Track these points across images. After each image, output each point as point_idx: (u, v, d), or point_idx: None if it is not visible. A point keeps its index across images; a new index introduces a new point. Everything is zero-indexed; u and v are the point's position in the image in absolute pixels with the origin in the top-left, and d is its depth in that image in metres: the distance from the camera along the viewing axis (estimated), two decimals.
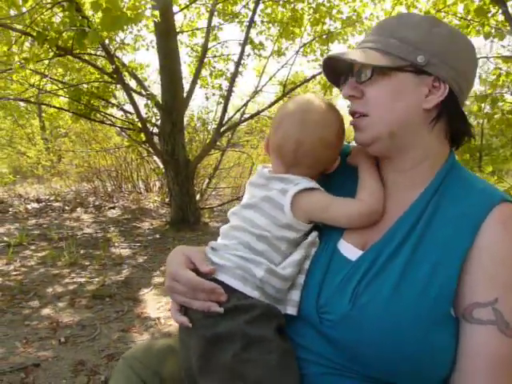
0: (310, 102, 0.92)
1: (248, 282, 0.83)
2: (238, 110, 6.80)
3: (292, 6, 7.32)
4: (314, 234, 0.90)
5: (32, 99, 6.60)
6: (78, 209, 7.44)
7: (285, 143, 0.90)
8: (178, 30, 6.87)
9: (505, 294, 0.73)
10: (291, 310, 0.85)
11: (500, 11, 3.46)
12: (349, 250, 0.86)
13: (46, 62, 5.61)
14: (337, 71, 0.94)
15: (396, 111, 0.83)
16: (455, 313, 0.76)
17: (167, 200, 7.51)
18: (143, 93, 6.20)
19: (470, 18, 4.42)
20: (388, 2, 6.79)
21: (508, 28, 3.57)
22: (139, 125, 5.84)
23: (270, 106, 6.70)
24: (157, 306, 3.35)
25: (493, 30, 3.64)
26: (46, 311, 3.14)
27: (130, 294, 3.56)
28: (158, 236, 5.78)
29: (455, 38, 0.84)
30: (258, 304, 0.81)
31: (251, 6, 7.33)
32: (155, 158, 7.02)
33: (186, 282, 0.84)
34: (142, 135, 6.06)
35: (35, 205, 7.71)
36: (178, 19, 8.02)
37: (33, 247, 4.93)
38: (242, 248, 0.86)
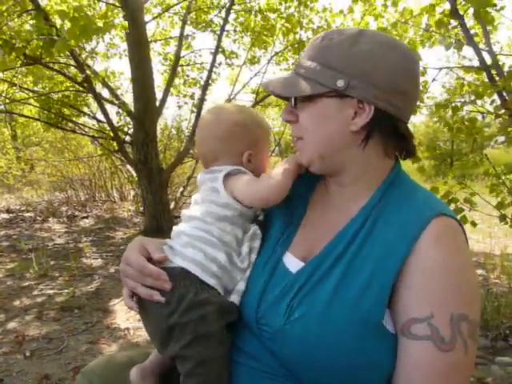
0: (208, 109, 1.11)
1: (206, 270, 0.89)
2: None
3: (264, 15, 7.42)
4: (254, 226, 0.99)
5: (1, 108, 6.48)
6: (50, 219, 7.31)
7: (197, 150, 1.11)
8: (150, 39, 6.88)
9: (439, 309, 0.74)
10: (235, 299, 0.90)
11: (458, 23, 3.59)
12: (292, 262, 0.87)
13: (15, 70, 5.53)
14: None
15: (323, 135, 0.86)
16: (395, 329, 0.77)
17: (141, 209, 7.45)
18: (115, 101, 6.16)
19: (431, 29, 4.56)
20: (357, 12, 6.93)
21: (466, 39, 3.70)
22: (111, 134, 5.80)
23: None
24: (126, 316, 3.32)
25: (453, 41, 3.77)
26: (11, 325, 3.08)
27: (100, 305, 3.52)
28: None
29: (378, 53, 0.81)
30: (214, 300, 0.86)
31: (223, 14, 7.41)
32: (129, 166, 6.97)
33: (136, 266, 0.88)
34: (115, 144, 6.02)
35: (5, 215, 7.54)
36: (151, 28, 8.02)
37: (0, 259, 4.83)
38: (198, 232, 0.94)
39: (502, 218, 3.79)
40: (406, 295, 0.75)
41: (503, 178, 3.71)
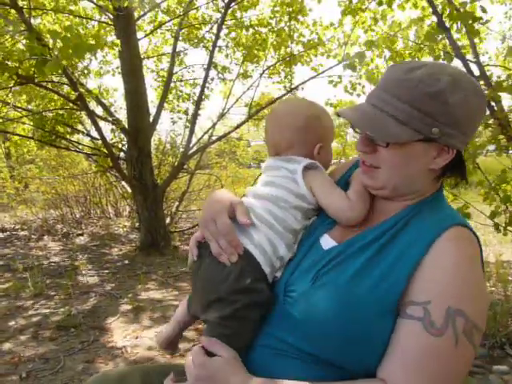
0: (282, 102, 1.27)
1: (267, 259, 0.96)
2: (205, 133, 6.87)
3: (255, 30, 7.52)
4: (315, 216, 1.06)
5: None
6: (45, 237, 7.27)
7: (267, 137, 1.14)
8: (143, 56, 6.95)
9: (438, 297, 0.80)
10: (278, 275, 0.98)
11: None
12: (327, 242, 0.97)
13: (8, 89, 5.55)
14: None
15: (403, 172, 0.90)
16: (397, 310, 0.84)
17: (137, 225, 7.44)
18: (109, 118, 6.19)
19: (420, 42, 4.64)
20: (347, 25, 7.04)
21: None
22: (105, 150, 5.81)
23: (236, 127, 6.80)
24: (123, 334, 3.30)
25: (441, 54, 3.83)
26: (7, 346, 3.05)
27: (97, 324, 3.50)
28: (127, 262, 5.70)
29: (469, 100, 0.85)
30: (264, 292, 0.94)
31: (215, 30, 7.50)
32: (123, 182, 6.97)
33: (223, 228, 0.94)
34: (109, 160, 6.03)
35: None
36: (144, 44, 8.11)
37: None
38: (268, 216, 1.00)
39: (496, 226, 3.82)
40: (413, 283, 0.82)
41: (496, 186, 3.74)
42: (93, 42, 4.58)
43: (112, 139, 6.14)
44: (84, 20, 6.78)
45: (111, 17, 6.00)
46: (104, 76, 8.28)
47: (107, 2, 5.82)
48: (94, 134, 5.98)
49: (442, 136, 0.85)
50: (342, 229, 0.98)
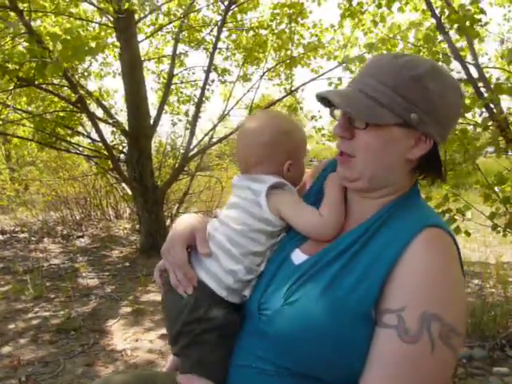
0: (251, 116, 1.16)
1: (221, 283, 0.96)
2: (206, 135, 6.88)
3: (255, 32, 7.53)
4: (284, 233, 1.04)
5: None
6: (45, 239, 7.27)
7: (237, 153, 1.12)
8: (144, 58, 6.96)
9: (412, 302, 0.78)
10: (247, 293, 0.98)
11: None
12: (298, 256, 0.96)
13: (8, 91, 5.56)
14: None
15: (379, 159, 0.89)
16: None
17: (137, 227, 7.44)
18: (109, 120, 6.20)
19: (419, 44, 4.64)
20: (347, 27, 7.05)
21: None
22: (106, 152, 5.82)
23: (237, 129, 6.78)
24: (124, 337, 3.30)
25: (440, 56, 3.83)
26: (6, 349, 3.05)
27: (97, 326, 3.50)
28: (127, 264, 5.70)
29: (448, 92, 0.87)
30: (220, 317, 0.94)
31: (215, 32, 7.51)
32: (124, 184, 6.98)
33: (178, 259, 0.97)
34: (110, 162, 6.03)
35: None
36: (145, 46, 8.10)
37: None
38: (225, 242, 0.99)
39: (494, 227, 3.82)
40: (388, 288, 0.81)
41: (495, 188, 3.74)
42: (93, 45, 4.59)
43: (112, 141, 6.15)
44: (84, 22, 6.79)
45: (111, 19, 6.02)
46: (104, 78, 8.31)
47: (108, 4, 5.85)
48: (95, 136, 6.00)
49: (420, 123, 0.85)
50: (314, 242, 0.96)
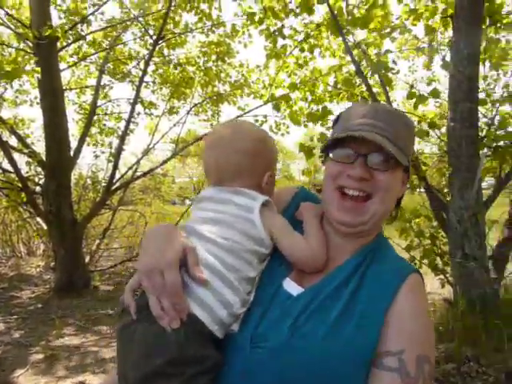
0: (226, 124, 1.07)
1: (214, 316, 0.82)
2: (130, 168, 6.69)
3: (182, 68, 7.61)
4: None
5: None
6: None
7: (208, 163, 0.99)
8: (65, 87, 6.69)
9: (410, 345, 0.84)
10: (235, 327, 0.86)
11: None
12: (292, 287, 0.92)
13: None
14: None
15: (392, 200, 0.98)
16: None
17: (52, 264, 6.91)
18: (25, 150, 5.81)
19: (339, 87, 4.98)
20: (272, 68, 7.36)
21: (370, 97, 4.09)
22: (19, 184, 5.41)
23: (162, 163, 6.71)
24: None
25: (359, 99, 4.14)
26: None
27: (2, 378, 3.13)
28: (39, 305, 5.24)
29: (412, 135, 1.02)
30: (213, 357, 0.81)
31: (142, 66, 7.47)
32: (38, 218, 6.50)
33: (171, 283, 0.79)
34: (23, 195, 5.61)
35: None
36: (66, 76, 7.83)
37: None
38: (217, 264, 0.84)
39: (411, 259, 4.08)
40: (385, 332, 0.85)
41: (411, 222, 4.02)
42: (9, 69, 4.33)
43: (27, 172, 5.74)
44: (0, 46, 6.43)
45: (30, 45, 5.77)
46: (20, 106, 7.85)
47: (27, 29, 5.60)
48: (7, 166, 5.57)
49: (408, 166, 0.96)
50: (301, 272, 0.95)
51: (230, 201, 0.92)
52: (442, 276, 4.06)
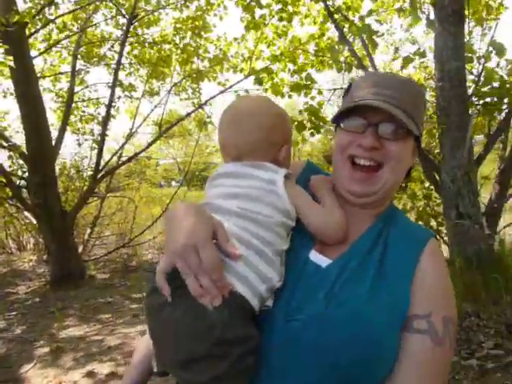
0: (241, 98, 1.09)
1: (255, 292, 0.80)
2: (115, 154, 6.57)
3: (159, 46, 7.40)
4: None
5: None
6: None
7: (225, 139, 0.98)
8: (39, 75, 6.46)
9: (436, 308, 0.88)
10: (270, 303, 0.85)
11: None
12: (320, 259, 0.92)
13: None
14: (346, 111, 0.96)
15: (403, 169, 0.97)
16: None
17: (45, 257, 6.83)
18: (4, 144, 5.64)
19: (321, 54, 4.90)
20: (250, 40, 7.21)
21: (355, 62, 4.03)
22: (3, 179, 5.27)
23: (147, 146, 6.59)
24: (44, 382, 2.97)
25: (343, 65, 4.08)
26: None
27: (9, 375, 3.11)
28: (37, 299, 5.19)
29: (423, 104, 1.01)
30: (255, 336, 0.79)
31: (117, 48, 7.24)
32: (26, 213, 6.38)
33: (209, 262, 0.75)
34: (8, 190, 5.49)
35: None
36: (39, 63, 7.53)
37: None
38: (254, 240, 0.83)
39: None
40: (413, 297, 0.88)
41: (405, 185, 4.03)
42: None
43: (10, 166, 5.60)
44: None
45: None
46: None
47: None
48: None
49: (419, 135, 0.96)
50: (324, 244, 0.94)
51: (251, 175, 0.91)
52: (437, 236, 4.12)
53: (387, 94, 0.91)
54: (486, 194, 4.26)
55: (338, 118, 0.97)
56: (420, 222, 4.03)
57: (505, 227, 4.08)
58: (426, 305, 0.87)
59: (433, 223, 4.15)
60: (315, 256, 0.93)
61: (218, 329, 0.74)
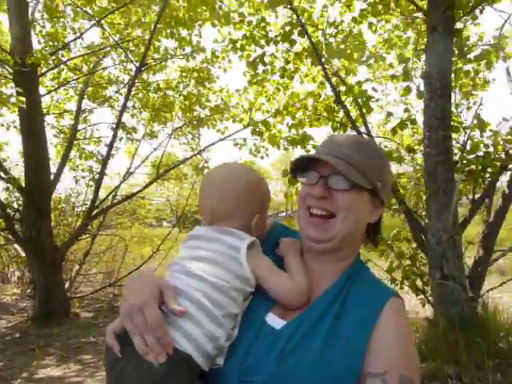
0: (219, 166, 1.09)
1: (200, 349, 0.85)
2: (111, 193, 6.66)
3: (163, 92, 7.69)
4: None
5: None
6: None
7: (203, 204, 1.05)
8: (44, 112, 6.66)
9: (393, 366, 0.87)
10: (220, 361, 0.89)
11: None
12: (275, 321, 0.95)
13: None
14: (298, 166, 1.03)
15: (357, 220, 0.99)
16: None
17: (28, 291, 6.75)
18: (3, 176, 5.73)
19: (318, 113, 5.15)
20: (251, 93, 7.53)
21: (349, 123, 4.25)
22: None
23: (144, 187, 6.70)
24: None
25: (338, 125, 4.30)
26: None
27: None
28: (17, 335, 5.09)
29: (387, 164, 1.04)
30: None
31: (122, 91, 7.53)
32: (15, 245, 6.36)
33: (152, 319, 0.82)
34: (1, 221, 5.51)
35: None
36: (45, 100, 7.75)
37: None
38: (204, 300, 0.88)
39: (392, 280, 4.20)
40: (369, 355, 0.88)
41: (392, 243, 4.14)
42: None
43: (6, 198, 5.65)
44: None
45: (10, 70, 5.75)
46: None
47: (7, 55, 5.59)
48: None
49: (379, 190, 0.99)
50: (283, 306, 0.98)
51: (219, 239, 0.97)
52: (422, 296, 4.19)
53: (340, 150, 0.98)
54: (470, 255, 4.38)
55: (299, 174, 1.05)
56: (405, 281, 4.12)
57: (488, 291, 4.16)
58: (381, 363, 0.87)
59: (418, 283, 4.23)
60: (272, 318, 0.95)
61: (159, 382, 0.80)
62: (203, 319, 0.87)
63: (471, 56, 3.96)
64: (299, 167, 1.03)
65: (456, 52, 3.91)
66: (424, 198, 3.93)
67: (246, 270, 0.93)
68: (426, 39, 3.90)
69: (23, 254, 6.02)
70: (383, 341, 0.90)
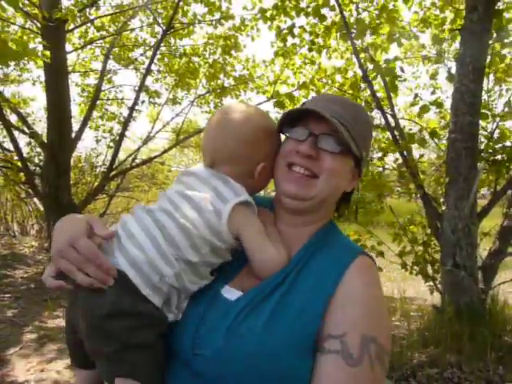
0: (232, 106, 1.00)
1: (146, 278, 0.82)
2: (130, 155, 6.71)
3: (188, 58, 7.61)
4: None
5: None
6: None
7: (206, 142, 0.97)
8: (69, 69, 6.68)
9: (353, 329, 0.82)
10: (171, 317, 0.87)
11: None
12: (231, 293, 0.91)
13: None
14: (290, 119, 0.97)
15: (338, 185, 0.96)
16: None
17: (46, 245, 6.94)
18: (26, 130, 5.82)
19: (344, 89, 5.03)
20: (277, 65, 7.40)
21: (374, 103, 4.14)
22: (19, 164, 5.43)
23: (163, 152, 6.73)
24: (26, 367, 3.03)
25: (363, 103, 4.19)
26: None
27: None
28: (33, 286, 5.26)
29: (370, 134, 1.01)
30: (148, 314, 0.82)
31: (148, 53, 7.47)
32: (35, 199, 6.51)
33: (86, 251, 0.80)
34: (22, 175, 5.63)
35: None
36: (70, 57, 7.78)
37: None
38: (157, 233, 0.85)
39: (403, 265, 4.16)
40: (328, 317, 0.84)
41: (406, 227, 4.08)
42: (17, 50, 4.32)
43: (28, 153, 5.75)
44: (5, 23, 6.39)
45: (38, 25, 5.75)
46: (22, 84, 7.84)
47: (36, 9, 5.58)
48: (7, 145, 5.59)
49: (362, 160, 0.97)
50: (243, 278, 0.95)
51: (212, 185, 0.91)
52: (431, 283, 4.15)
53: (334, 109, 0.93)
54: (486, 247, 4.29)
55: (285, 127, 0.98)
56: (416, 267, 4.08)
57: (499, 284, 4.09)
58: (341, 324, 0.83)
59: (429, 269, 4.18)
60: (228, 290, 0.92)
61: (107, 303, 0.79)
62: (151, 251, 0.83)
63: (509, 40, 3.76)
64: (289, 121, 0.97)
65: (494, 35, 3.73)
66: (444, 184, 3.83)
67: (223, 223, 0.87)
68: (463, 19, 3.72)
69: (42, 209, 6.15)
70: (346, 300, 0.85)
